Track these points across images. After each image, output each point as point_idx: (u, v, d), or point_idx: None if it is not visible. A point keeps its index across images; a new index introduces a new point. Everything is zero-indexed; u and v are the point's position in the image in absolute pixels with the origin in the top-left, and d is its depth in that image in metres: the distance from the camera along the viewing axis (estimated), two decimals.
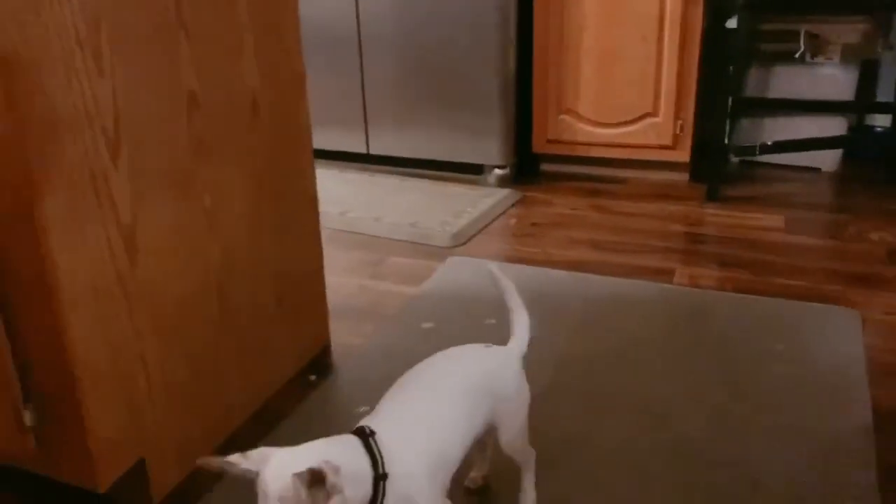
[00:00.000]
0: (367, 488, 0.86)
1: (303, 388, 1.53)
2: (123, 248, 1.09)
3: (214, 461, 0.84)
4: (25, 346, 1.04)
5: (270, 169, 1.41)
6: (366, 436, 0.89)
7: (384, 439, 0.89)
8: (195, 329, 1.27)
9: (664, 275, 2.04)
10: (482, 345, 1.13)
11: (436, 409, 0.99)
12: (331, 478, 0.78)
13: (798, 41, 2.71)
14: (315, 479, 0.77)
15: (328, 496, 0.78)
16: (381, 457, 0.88)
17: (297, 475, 0.77)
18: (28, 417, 1.07)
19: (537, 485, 1.18)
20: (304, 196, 1.56)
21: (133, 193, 1.08)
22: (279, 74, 1.41)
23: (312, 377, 1.56)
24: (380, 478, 0.87)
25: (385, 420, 0.94)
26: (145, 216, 1.11)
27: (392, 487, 0.87)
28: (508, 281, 1.18)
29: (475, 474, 1.24)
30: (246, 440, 1.37)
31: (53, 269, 0.98)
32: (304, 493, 0.77)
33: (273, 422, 1.42)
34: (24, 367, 1.05)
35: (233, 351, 1.36)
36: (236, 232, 1.33)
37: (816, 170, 2.89)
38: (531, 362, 1.58)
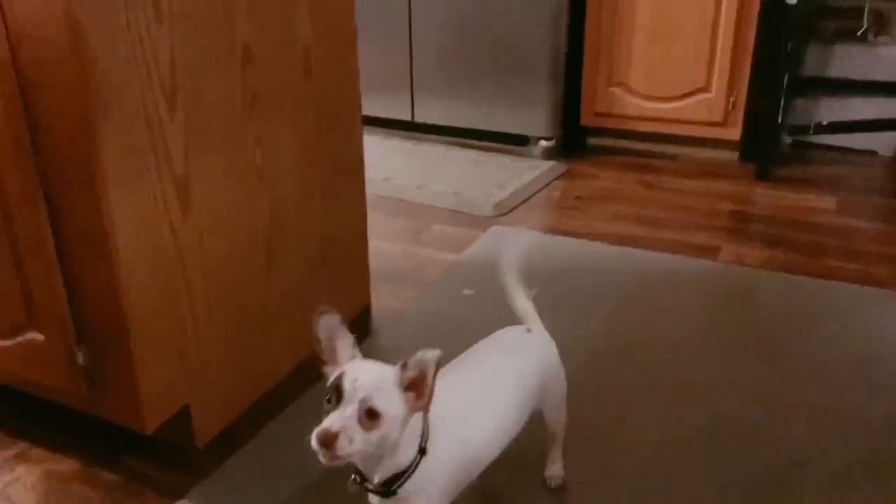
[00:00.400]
0: (409, 453, 0.85)
1: None
2: (176, 199, 1.10)
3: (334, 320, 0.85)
4: (81, 289, 1.07)
5: (320, 128, 1.41)
6: None
7: (433, 418, 0.88)
8: (243, 282, 1.29)
9: (709, 252, 2.01)
10: (522, 328, 1.11)
11: (489, 403, 0.97)
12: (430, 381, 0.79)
13: (861, 19, 2.62)
14: (403, 381, 0.80)
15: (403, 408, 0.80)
16: (427, 433, 0.87)
17: (398, 366, 0.80)
18: (81, 357, 1.10)
19: (577, 459, 1.19)
20: (352, 157, 1.56)
21: (187, 145, 1.10)
22: (332, 31, 1.41)
23: (353, 335, 1.57)
24: (420, 451, 0.86)
25: (438, 401, 0.89)
26: (198, 168, 1.13)
27: (421, 469, 0.86)
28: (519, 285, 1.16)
29: (554, 473, 1.19)
30: (287, 393, 1.40)
31: (109, 216, 1.00)
32: (399, 377, 0.80)
33: (313, 378, 1.44)
34: (78, 309, 1.08)
35: (278, 305, 1.38)
36: (285, 188, 1.35)
37: (873, 153, 2.81)
38: (570, 335, 1.58)
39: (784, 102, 2.50)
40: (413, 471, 0.86)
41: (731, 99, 2.60)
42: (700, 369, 1.48)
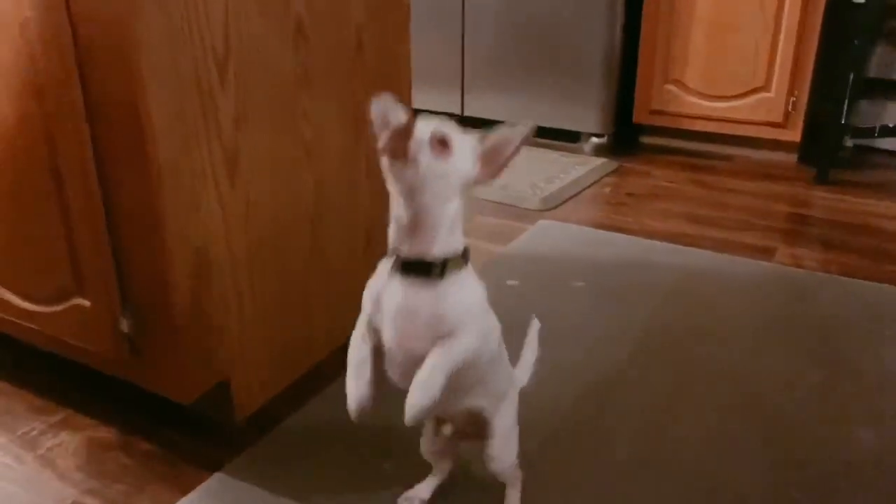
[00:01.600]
0: (458, 239, 0.83)
1: None
2: (225, 170, 1.10)
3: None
4: (127, 257, 1.07)
5: (368, 108, 1.40)
6: None
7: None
8: (287, 260, 1.28)
9: (765, 253, 1.95)
10: None
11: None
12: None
13: None
14: (477, 149, 0.80)
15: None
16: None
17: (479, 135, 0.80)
18: (125, 325, 1.11)
19: (622, 450, 1.15)
20: None
21: (237, 115, 1.10)
22: (386, 13, 1.39)
23: None
24: (464, 255, 0.84)
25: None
26: (247, 139, 1.13)
27: (466, 275, 0.84)
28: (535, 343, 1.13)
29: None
30: (327, 374, 1.39)
31: (158, 184, 1.00)
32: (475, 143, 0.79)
33: None
34: (124, 277, 1.09)
35: (321, 285, 1.38)
36: (332, 167, 1.34)
37: None
38: (616, 327, 1.55)
39: (848, 104, 2.41)
40: (463, 263, 0.83)
41: (792, 99, 2.52)
42: (752, 368, 1.43)
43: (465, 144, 0.79)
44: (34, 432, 1.26)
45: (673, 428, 1.27)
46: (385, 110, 0.79)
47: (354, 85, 1.35)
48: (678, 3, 2.58)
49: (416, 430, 1.13)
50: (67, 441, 1.24)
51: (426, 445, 1.08)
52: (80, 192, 1.05)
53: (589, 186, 2.47)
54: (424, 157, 0.75)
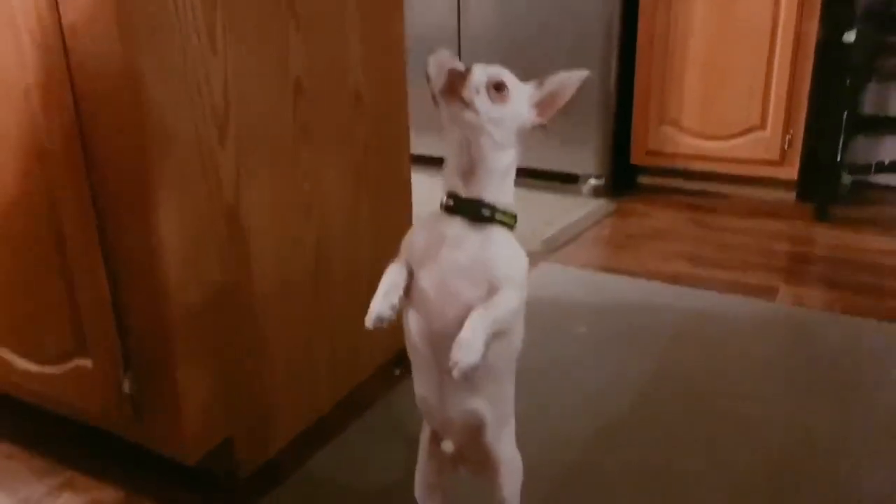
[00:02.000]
0: (510, 189, 0.86)
1: (388, 380, 1.52)
2: (226, 228, 1.11)
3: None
4: (129, 317, 1.07)
5: (369, 161, 1.42)
6: None
7: None
8: (289, 313, 1.28)
9: (767, 293, 1.95)
10: None
11: None
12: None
13: None
14: (534, 96, 0.84)
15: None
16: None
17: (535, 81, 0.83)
18: (126, 385, 1.10)
19: (629, 500, 1.14)
20: (400, 190, 1.56)
21: (237, 172, 1.11)
22: (383, 67, 1.42)
23: (397, 371, 1.55)
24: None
25: None
26: (248, 196, 1.14)
27: (510, 236, 0.86)
28: None
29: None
30: (331, 427, 1.38)
31: (160, 244, 1.00)
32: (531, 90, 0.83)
33: (358, 411, 1.43)
34: (126, 337, 1.09)
35: (325, 338, 1.37)
36: (333, 219, 1.34)
37: None
38: (620, 373, 1.54)
39: (843, 141, 2.44)
40: (512, 216, 0.85)
41: (788, 137, 2.54)
42: (760, 412, 1.42)
43: (521, 90, 0.82)
44: (36, 495, 1.24)
45: (679, 474, 1.25)
46: (442, 62, 0.82)
47: (354, 138, 1.37)
48: (671, 45, 2.62)
49: None
50: (70, 503, 1.22)
51: (420, 476, 1.03)
52: (81, 253, 1.06)
53: (589, 228, 2.48)
54: (482, 102, 0.78)
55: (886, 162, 2.53)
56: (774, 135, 2.56)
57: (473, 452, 0.96)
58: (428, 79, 0.83)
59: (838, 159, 2.46)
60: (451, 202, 0.85)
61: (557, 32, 2.69)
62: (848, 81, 2.40)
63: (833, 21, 2.47)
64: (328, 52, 1.26)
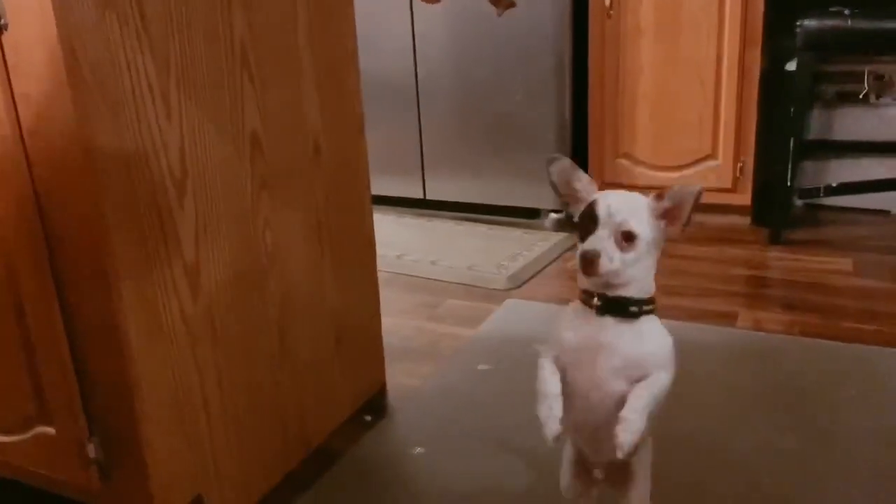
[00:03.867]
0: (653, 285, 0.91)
1: (359, 428, 1.52)
2: (187, 285, 1.11)
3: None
4: (92, 381, 1.06)
5: (330, 210, 1.43)
6: None
7: None
8: (255, 367, 1.28)
9: (727, 318, 1.99)
10: None
11: None
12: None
13: (862, 82, 2.65)
14: (657, 210, 0.88)
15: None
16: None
17: (652, 195, 0.88)
18: (92, 450, 1.09)
19: None
20: (363, 237, 1.57)
21: (197, 231, 1.11)
22: (340, 117, 1.44)
23: (368, 418, 1.55)
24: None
25: None
26: (208, 254, 1.14)
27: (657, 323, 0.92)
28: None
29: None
30: (303, 478, 1.37)
31: (119, 305, 1.00)
32: (652, 205, 0.87)
33: (329, 461, 1.42)
34: (89, 401, 1.08)
35: (292, 389, 1.37)
36: (296, 271, 1.35)
37: (885, 212, 2.79)
38: None
39: (792, 166, 2.51)
40: (654, 306, 0.91)
41: (739, 165, 2.62)
42: (724, 438, 1.44)
43: (643, 219, 0.86)
44: None
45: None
46: (566, 175, 0.90)
47: (314, 188, 1.38)
48: (621, 82, 2.69)
49: None
50: None
51: (569, 487, 1.09)
52: (41, 319, 1.05)
53: (552, 262, 2.51)
54: (616, 263, 0.84)
55: (834, 184, 2.61)
56: (726, 163, 2.63)
57: (618, 475, 1.03)
58: (553, 188, 0.93)
59: (788, 184, 2.53)
60: (598, 301, 0.90)
61: (512, 73, 2.75)
62: (792, 109, 2.49)
63: (775, 51, 2.57)
64: (284, 103, 1.28)
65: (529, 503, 1.28)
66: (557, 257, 2.55)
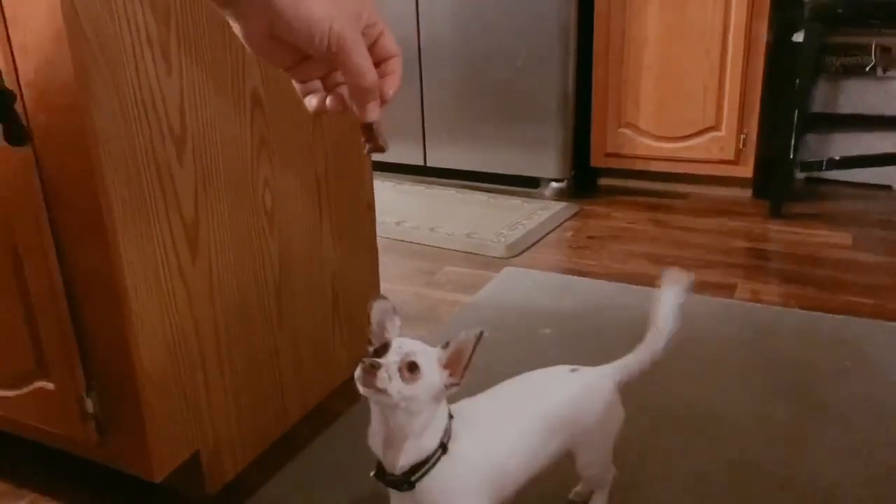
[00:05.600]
0: (433, 441, 0.89)
1: (353, 393, 1.52)
2: (186, 243, 1.11)
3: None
4: (90, 336, 1.07)
5: (329, 172, 1.42)
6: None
7: (457, 423, 0.92)
8: (253, 326, 1.28)
9: (725, 290, 1.99)
10: (567, 367, 1.13)
11: (512, 424, 0.99)
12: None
13: (869, 55, 2.63)
14: (442, 358, 0.87)
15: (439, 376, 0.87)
16: (450, 432, 0.90)
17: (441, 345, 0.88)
18: (90, 405, 1.10)
19: None
20: (362, 201, 1.57)
21: (196, 189, 1.11)
22: None
23: None
24: (441, 446, 0.89)
25: (463, 412, 0.95)
26: (207, 212, 1.14)
27: (442, 467, 0.89)
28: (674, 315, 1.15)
29: (582, 489, 1.21)
30: (300, 438, 1.38)
31: (118, 262, 1.00)
32: (439, 354, 0.87)
33: (327, 421, 1.43)
34: (87, 357, 1.08)
35: (289, 350, 1.38)
36: (295, 233, 1.35)
37: (887, 187, 2.79)
38: None
39: (795, 139, 2.50)
40: (433, 464, 0.88)
41: (742, 136, 2.60)
42: (719, 408, 1.45)
43: (431, 361, 0.86)
44: None
45: (644, 472, 1.28)
46: (383, 318, 0.90)
47: (314, 149, 1.38)
48: (626, 50, 2.67)
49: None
50: None
51: None
52: (39, 274, 1.05)
53: (551, 231, 2.51)
54: (395, 386, 0.82)
55: (837, 158, 2.60)
56: (729, 134, 2.61)
57: None
58: (368, 323, 0.91)
59: (791, 157, 2.52)
60: (379, 475, 0.92)
61: (516, 41, 2.72)
62: (798, 80, 2.47)
63: (782, 22, 2.54)
64: None
65: None
66: (557, 227, 2.55)
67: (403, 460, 0.88)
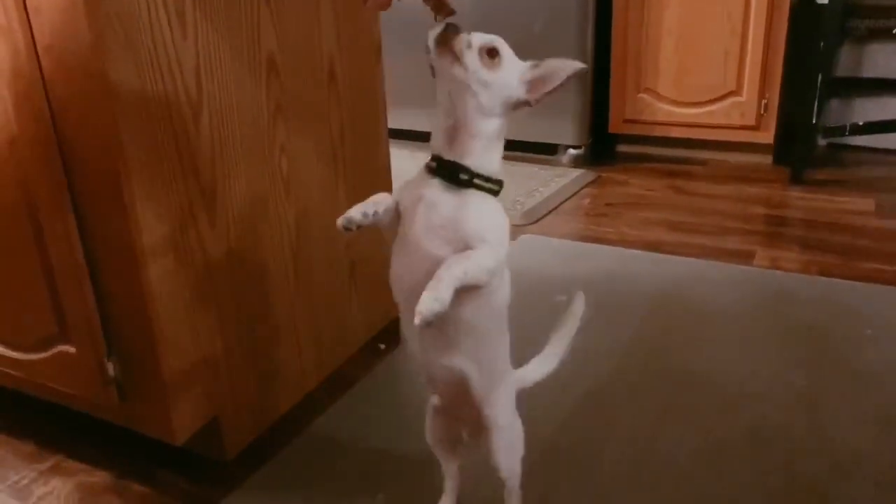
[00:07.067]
0: (496, 160, 0.87)
1: (373, 355, 1.54)
2: (203, 207, 1.11)
3: None
4: (110, 301, 1.07)
5: (345, 137, 1.41)
6: None
7: None
8: (271, 292, 1.29)
9: (744, 257, 1.97)
10: None
11: None
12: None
13: (895, 17, 2.56)
14: (527, 74, 0.84)
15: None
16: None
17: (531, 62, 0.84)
18: (111, 368, 1.11)
19: (614, 467, 1.16)
20: (378, 166, 1.56)
21: (213, 153, 1.11)
22: (356, 43, 1.41)
23: (382, 346, 1.57)
24: (499, 182, 0.87)
25: None
26: (225, 177, 1.14)
27: (492, 203, 0.86)
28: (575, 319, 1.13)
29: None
30: (318, 403, 1.39)
31: (137, 226, 1.00)
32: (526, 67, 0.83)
33: (344, 387, 1.44)
34: (108, 321, 1.09)
35: (307, 316, 1.38)
36: (312, 198, 1.35)
37: None
38: (602, 342, 1.56)
39: (818, 104, 2.45)
40: (492, 183, 0.85)
41: (764, 102, 2.56)
42: (738, 375, 1.45)
43: (515, 64, 0.83)
44: (25, 480, 1.25)
45: (662, 439, 1.28)
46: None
47: (330, 115, 1.37)
48: (647, 15, 2.62)
49: (408, 459, 1.14)
50: (59, 487, 1.23)
51: (428, 432, 1.05)
52: (59, 239, 1.05)
53: (569, 198, 2.49)
54: (471, 60, 0.79)
55: (860, 123, 2.55)
56: (750, 100, 2.57)
57: (465, 412, 0.96)
58: (428, 51, 0.85)
59: (813, 122, 2.47)
60: (433, 164, 0.86)
61: (534, 5, 2.68)
62: (821, 44, 2.41)
63: None
64: (300, 27, 1.26)
65: (535, 423, 1.30)
66: (574, 194, 2.53)
67: (470, 161, 0.84)
